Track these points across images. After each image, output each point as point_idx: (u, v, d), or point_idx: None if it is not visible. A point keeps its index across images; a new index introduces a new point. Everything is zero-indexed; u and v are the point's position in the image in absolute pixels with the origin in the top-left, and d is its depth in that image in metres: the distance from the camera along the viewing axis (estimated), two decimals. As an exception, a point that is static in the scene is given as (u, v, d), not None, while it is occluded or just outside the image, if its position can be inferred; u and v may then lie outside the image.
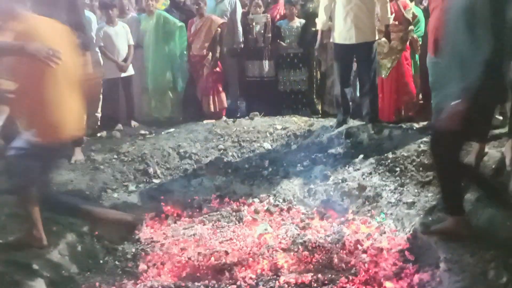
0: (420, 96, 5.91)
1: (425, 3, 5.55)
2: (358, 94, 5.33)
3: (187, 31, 6.01)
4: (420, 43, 5.57)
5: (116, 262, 3.30)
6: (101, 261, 3.31)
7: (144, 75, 6.09)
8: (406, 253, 3.12)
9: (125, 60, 5.65)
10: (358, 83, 5.25)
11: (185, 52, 6.06)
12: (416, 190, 3.77)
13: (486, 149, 3.81)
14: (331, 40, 4.95)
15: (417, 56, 5.64)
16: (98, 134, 5.48)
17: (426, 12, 5.37)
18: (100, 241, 3.46)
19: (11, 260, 2.79)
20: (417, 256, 3.07)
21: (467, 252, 2.73)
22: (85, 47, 4.54)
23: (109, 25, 5.53)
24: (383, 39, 4.93)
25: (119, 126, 5.71)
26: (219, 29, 5.86)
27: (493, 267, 2.53)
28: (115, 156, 4.66)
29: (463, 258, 2.69)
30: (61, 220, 3.42)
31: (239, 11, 6.19)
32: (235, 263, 3.15)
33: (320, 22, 4.99)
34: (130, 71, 5.76)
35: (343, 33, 4.68)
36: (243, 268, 3.11)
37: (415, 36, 5.44)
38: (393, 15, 4.92)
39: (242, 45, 6.15)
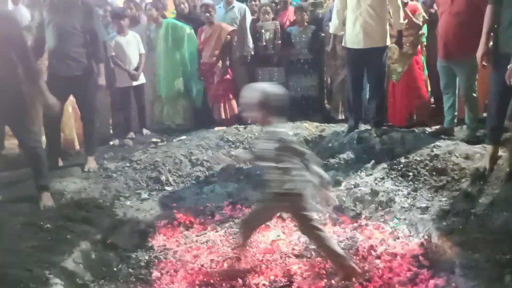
0: (432, 99, 5.88)
1: (435, 7, 5.52)
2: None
3: (197, 39, 6.05)
4: (425, 44, 5.54)
5: (130, 270, 3.31)
6: (115, 269, 3.32)
7: (156, 83, 6.14)
8: (421, 258, 3.10)
9: (136, 69, 5.70)
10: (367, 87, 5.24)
11: (196, 57, 6.10)
12: (429, 195, 3.75)
13: (500, 152, 3.77)
14: (342, 44, 4.96)
15: (423, 58, 5.61)
16: (111, 143, 5.53)
17: (432, 16, 5.37)
18: (114, 249, 3.48)
19: (26, 269, 2.82)
20: (432, 262, 3.04)
21: (482, 257, 2.70)
22: (99, 58, 4.61)
23: (120, 35, 5.59)
24: (394, 45, 4.91)
25: (131, 134, 5.75)
26: (229, 37, 5.90)
27: (509, 272, 2.50)
28: (128, 164, 4.69)
29: (478, 263, 2.66)
30: (75, 228, 3.45)
31: (249, 18, 6.22)
32: (248, 270, 3.14)
33: (333, 26, 5.00)
34: (142, 79, 5.82)
35: (352, 37, 4.69)
36: (256, 274, 3.10)
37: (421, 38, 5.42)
38: (406, 21, 4.90)
39: (252, 52, 6.18)
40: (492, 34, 3.65)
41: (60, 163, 4.69)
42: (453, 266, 2.78)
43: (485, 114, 4.64)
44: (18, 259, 2.91)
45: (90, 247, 3.32)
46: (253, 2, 6.70)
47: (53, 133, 4.58)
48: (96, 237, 3.46)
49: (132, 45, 5.66)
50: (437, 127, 4.94)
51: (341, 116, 6.04)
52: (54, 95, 4.44)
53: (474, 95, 4.49)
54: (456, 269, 2.73)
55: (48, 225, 3.41)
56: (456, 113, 4.75)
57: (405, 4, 5.09)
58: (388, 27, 4.70)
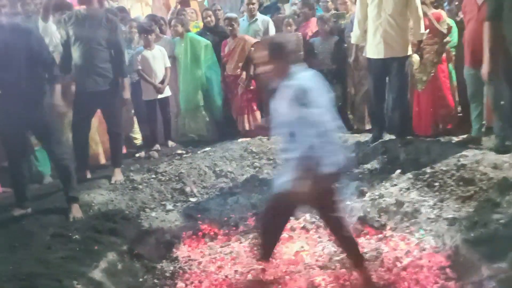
0: (459, 108, 5.78)
1: (461, 15, 5.44)
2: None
3: (221, 52, 6.13)
4: (454, 53, 5.47)
5: (155, 280, 3.36)
6: (140, 279, 3.37)
7: (178, 96, 6.23)
8: (448, 270, 3.04)
9: (162, 82, 5.80)
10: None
11: (215, 70, 6.17)
12: (456, 205, 3.67)
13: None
14: (363, 54, 4.95)
15: (450, 67, 5.52)
16: (137, 155, 5.62)
17: (459, 23, 5.29)
18: (140, 260, 3.53)
19: (55, 279, 2.89)
20: (460, 274, 2.98)
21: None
22: (124, 73, 4.72)
23: (146, 49, 5.71)
24: (414, 55, 4.87)
25: (157, 146, 5.84)
26: (252, 49, 5.95)
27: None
28: (153, 176, 4.77)
29: (508, 275, 2.59)
30: (102, 239, 3.53)
31: (272, 30, 6.26)
32: (272, 281, 3.14)
33: (354, 36, 5.01)
34: (167, 92, 5.91)
35: (372, 47, 4.68)
36: (280, 286, 3.10)
37: (447, 47, 5.34)
38: (427, 31, 4.85)
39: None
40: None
41: (88, 175, 4.80)
42: (481, 278, 2.72)
43: None
44: (47, 270, 2.98)
45: (117, 258, 3.39)
46: (278, 15, 6.74)
47: (81, 146, 4.69)
48: (123, 248, 3.52)
49: (158, 59, 5.76)
50: (464, 136, 4.85)
51: (364, 127, 5.99)
52: (82, 110, 4.59)
53: (503, 103, 4.40)
54: (484, 281, 2.66)
55: (77, 236, 3.50)
56: (484, 122, 4.66)
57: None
58: (409, 37, 4.67)
